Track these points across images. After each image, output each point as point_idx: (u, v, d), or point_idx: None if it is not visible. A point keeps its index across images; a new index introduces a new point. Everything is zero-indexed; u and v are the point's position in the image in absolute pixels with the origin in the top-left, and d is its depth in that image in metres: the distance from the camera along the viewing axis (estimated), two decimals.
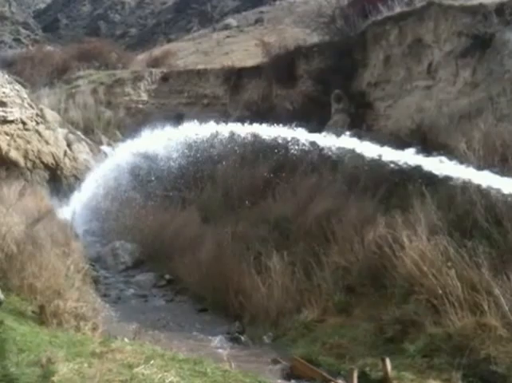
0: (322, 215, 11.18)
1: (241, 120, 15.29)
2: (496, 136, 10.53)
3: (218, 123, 14.16)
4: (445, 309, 7.34)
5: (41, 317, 7.46)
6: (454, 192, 9.46)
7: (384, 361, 6.79)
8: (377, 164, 10.39)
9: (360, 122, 15.40)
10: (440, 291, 7.51)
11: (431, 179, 9.54)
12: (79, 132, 20.74)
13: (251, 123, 13.28)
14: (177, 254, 11.64)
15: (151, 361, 5.81)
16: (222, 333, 9.25)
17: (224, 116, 22.05)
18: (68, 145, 19.27)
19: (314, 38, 20.85)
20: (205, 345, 8.65)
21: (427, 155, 9.46)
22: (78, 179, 17.96)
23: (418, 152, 9.84)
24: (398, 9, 15.50)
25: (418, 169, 9.45)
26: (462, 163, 9.22)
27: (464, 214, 9.19)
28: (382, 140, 10.85)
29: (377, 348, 7.72)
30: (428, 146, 11.75)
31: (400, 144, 11.62)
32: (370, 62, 16.19)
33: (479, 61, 12.49)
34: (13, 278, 8.04)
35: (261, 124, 12.93)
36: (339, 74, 16.69)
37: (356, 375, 6.29)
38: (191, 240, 11.89)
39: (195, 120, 14.55)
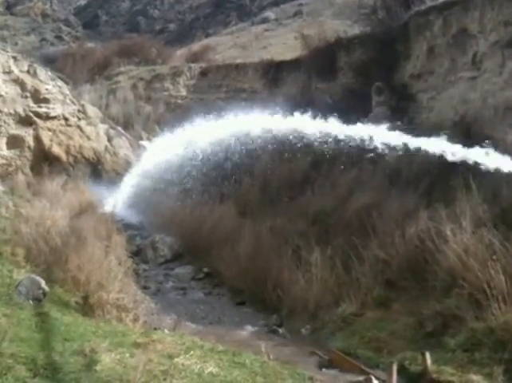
0: (362, 208, 11.08)
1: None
2: None
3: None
4: (488, 303, 7.18)
5: (85, 308, 7.63)
6: (500, 185, 9.24)
7: (423, 355, 6.70)
8: (422, 156, 10.21)
9: (402, 115, 15.12)
10: (483, 285, 7.34)
11: (475, 172, 9.32)
12: (119, 128, 21.09)
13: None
14: (215, 248, 11.70)
15: (191, 352, 5.86)
16: (261, 326, 9.26)
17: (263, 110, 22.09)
18: (109, 140, 19.61)
19: (355, 30, 20.60)
20: (243, 337, 8.69)
21: (471, 147, 9.24)
22: (119, 173, 18.27)
23: (462, 145, 9.63)
24: None
25: (463, 162, 9.23)
26: (509, 155, 8.97)
27: (510, 207, 8.99)
28: (425, 133, 10.65)
29: (417, 342, 7.62)
30: (473, 138, 11.48)
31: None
32: (413, 53, 15.87)
33: None
34: (57, 271, 8.24)
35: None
36: (380, 66, 16.43)
37: (395, 368, 6.20)
38: (228, 234, 11.93)
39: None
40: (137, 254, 12.80)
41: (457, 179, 9.85)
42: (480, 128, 11.85)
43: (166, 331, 7.45)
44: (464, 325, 7.33)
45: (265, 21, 44.18)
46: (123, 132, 21.00)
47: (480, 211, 8.81)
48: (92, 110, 20.13)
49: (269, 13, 46.08)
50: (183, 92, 26.47)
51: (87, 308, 7.65)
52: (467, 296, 7.66)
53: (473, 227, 8.46)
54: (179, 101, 26.29)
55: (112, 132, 20.09)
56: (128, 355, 5.48)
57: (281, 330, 8.99)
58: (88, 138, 19.09)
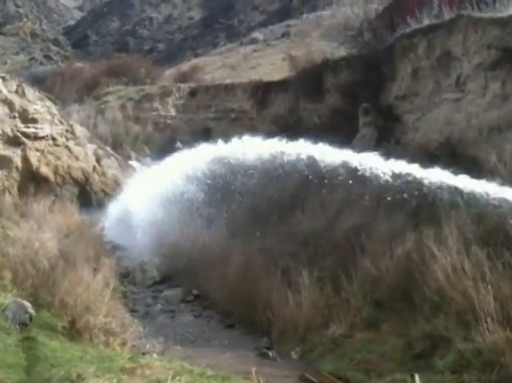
0: (351, 229, 11.11)
1: (268, 134, 15.29)
2: None
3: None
4: (476, 323, 7.20)
5: (72, 332, 7.55)
6: (486, 206, 9.31)
7: (412, 377, 6.66)
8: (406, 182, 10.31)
9: (388, 135, 15.30)
10: (471, 305, 7.38)
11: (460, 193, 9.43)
12: (108, 148, 21.08)
13: (279, 138, 13.22)
14: (204, 270, 11.67)
15: (180, 377, 5.81)
16: (251, 349, 9.22)
17: (251, 131, 22.20)
18: (98, 160, 19.58)
19: (341, 51, 20.90)
20: (233, 360, 8.63)
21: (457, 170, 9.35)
22: (107, 194, 18.21)
23: (447, 166, 9.74)
24: (426, 22, 15.39)
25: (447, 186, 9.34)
26: (492, 176, 9.09)
27: (495, 228, 9.05)
28: (410, 154, 10.77)
29: (406, 364, 7.60)
30: (457, 159, 11.63)
31: (429, 157, 11.54)
32: (398, 75, 16.12)
33: (509, 74, 12.30)
34: (44, 294, 8.16)
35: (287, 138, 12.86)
36: (367, 87, 16.67)
37: None
38: (218, 255, 11.90)
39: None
40: (126, 276, 12.74)
41: (443, 201, 9.91)
42: (465, 148, 12.02)
43: (154, 355, 7.38)
44: (452, 346, 7.33)
45: (253, 41, 44.64)
46: (111, 152, 21.00)
47: (466, 231, 8.86)
48: (80, 130, 20.14)
49: (258, 34, 46.58)
50: (172, 112, 26.59)
51: (74, 332, 7.56)
52: (455, 316, 7.69)
53: (460, 247, 8.50)
54: (168, 121, 26.39)
55: (100, 152, 20.08)
56: (115, 381, 5.42)
57: (271, 353, 8.93)
58: (77, 158, 19.05)
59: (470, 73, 13.26)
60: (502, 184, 8.92)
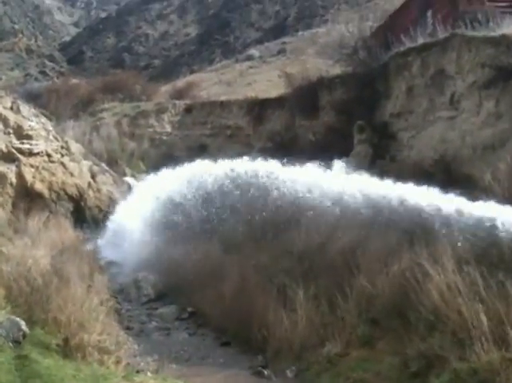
0: (346, 246, 11.11)
1: (264, 150, 15.39)
2: None
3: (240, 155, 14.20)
4: (471, 342, 7.17)
5: (65, 350, 7.49)
6: (479, 225, 9.34)
7: None
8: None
9: (383, 153, 15.39)
10: (466, 324, 7.37)
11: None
12: (103, 164, 21.09)
13: (275, 154, 13.28)
14: (200, 287, 11.62)
15: None
16: (246, 367, 9.16)
17: (247, 147, 22.30)
18: (93, 177, 19.57)
19: (337, 69, 21.12)
20: (228, 379, 8.58)
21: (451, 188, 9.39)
22: (102, 210, 18.19)
23: (441, 184, 9.80)
24: (421, 41, 15.62)
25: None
26: (487, 194, 9.14)
27: (490, 246, 9.08)
28: (405, 172, 10.83)
29: None
30: (452, 177, 11.70)
31: (424, 174, 11.61)
32: (393, 93, 16.28)
33: (503, 92, 12.46)
34: (38, 311, 8.10)
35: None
36: (362, 105, 16.81)
37: None
38: (213, 272, 11.86)
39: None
40: (120, 293, 12.65)
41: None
42: (459, 166, 12.11)
43: (149, 374, 7.34)
44: (448, 365, 7.29)
45: (249, 58, 44.98)
46: (106, 168, 21.00)
47: (461, 250, 8.88)
48: (75, 146, 20.15)
49: (254, 51, 46.94)
50: (168, 129, 26.66)
51: (68, 350, 7.50)
52: (450, 335, 7.65)
53: (454, 265, 8.51)
54: (164, 137, 26.45)
55: (95, 168, 20.08)
56: None
57: (266, 372, 8.86)
58: (71, 174, 19.03)
59: (464, 91, 13.41)
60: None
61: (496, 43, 12.92)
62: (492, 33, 13.34)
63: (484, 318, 7.24)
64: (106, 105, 28.24)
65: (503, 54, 12.61)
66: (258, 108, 23.82)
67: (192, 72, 53.14)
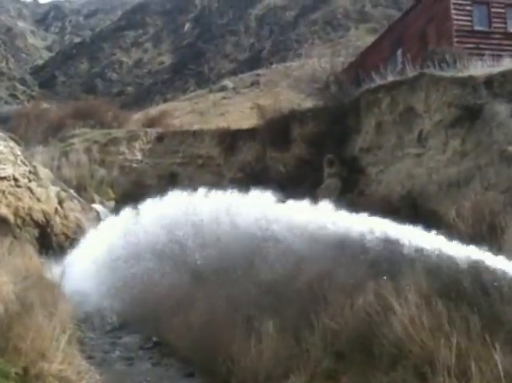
0: (314, 278, 11.16)
1: (235, 181, 15.45)
2: (484, 205, 10.71)
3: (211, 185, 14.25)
4: (432, 376, 7.23)
5: (25, 379, 7.31)
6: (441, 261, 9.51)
7: None
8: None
9: (352, 187, 15.62)
10: (429, 357, 7.44)
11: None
12: (71, 190, 20.86)
13: (245, 185, 13.34)
14: (166, 316, 11.50)
15: None
16: None
17: (218, 177, 22.38)
18: (60, 203, 19.35)
19: (309, 103, 21.48)
20: None
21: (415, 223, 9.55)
22: (69, 237, 17.95)
23: (408, 219, 9.96)
24: (390, 78, 16.07)
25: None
26: (451, 230, 9.32)
27: (452, 282, 9.22)
28: (373, 206, 10.99)
29: None
30: (418, 212, 11.92)
31: (391, 209, 11.80)
32: (363, 128, 16.62)
33: (468, 132, 12.83)
34: None
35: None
36: (332, 139, 17.11)
37: None
38: (180, 302, 11.77)
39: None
40: (84, 321, 12.43)
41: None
42: (425, 202, 12.35)
43: None
44: None
45: (223, 89, 45.40)
46: (75, 195, 20.79)
47: (424, 285, 9.01)
48: (43, 172, 19.95)
49: (228, 82, 47.42)
50: (139, 157, 26.55)
51: (28, 379, 7.32)
52: (413, 369, 7.72)
53: (417, 299, 8.63)
54: (134, 165, 26.32)
55: (63, 194, 19.87)
56: None
57: None
58: (38, 200, 18.78)
59: (431, 129, 13.77)
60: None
61: (463, 83, 13.34)
62: (459, 74, 13.78)
63: (447, 352, 7.33)
64: (77, 131, 28.04)
65: (469, 95, 13.02)
66: (230, 139, 23.98)
67: (165, 100, 53.35)
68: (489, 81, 12.84)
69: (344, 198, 13.87)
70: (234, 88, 44.82)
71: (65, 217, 19.08)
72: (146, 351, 11.26)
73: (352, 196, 14.72)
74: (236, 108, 35.30)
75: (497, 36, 17.88)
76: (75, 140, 26.97)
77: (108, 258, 14.58)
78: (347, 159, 16.68)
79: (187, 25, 75.87)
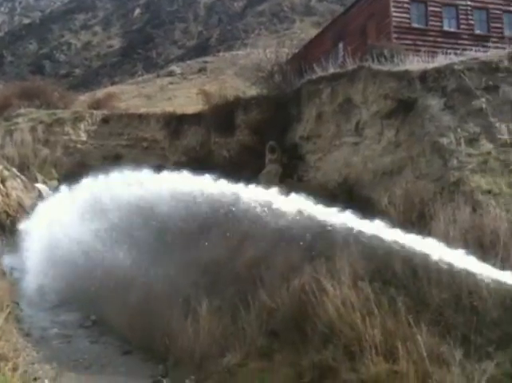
0: (252, 260, 11.44)
1: (179, 164, 15.53)
2: (415, 193, 11.22)
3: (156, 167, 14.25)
4: (361, 355, 7.64)
5: None
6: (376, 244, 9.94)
7: None
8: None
9: (292, 173, 16.02)
10: (358, 337, 7.82)
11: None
12: (14, 169, 20.49)
13: (189, 169, 13.39)
14: (105, 295, 11.58)
15: None
16: (146, 376, 9.25)
17: (163, 160, 22.39)
18: (2, 181, 18.99)
19: (253, 91, 21.71)
20: None
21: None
22: (10, 215, 17.65)
23: (344, 205, 10.27)
24: (331, 70, 16.50)
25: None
26: (383, 216, 9.70)
27: (384, 265, 9.66)
28: (311, 192, 11.29)
29: None
30: (353, 199, 12.39)
31: (328, 195, 12.21)
32: (304, 117, 16.99)
33: (402, 123, 13.31)
34: None
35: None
36: (274, 126, 17.44)
37: None
38: (119, 281, 11.85)
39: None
40: (23, 298, 12.36)
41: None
42: (360, 189, 12.81)
43: (46, 381, 7.32)
44: (339, 376, 7.74)
45: (170, 74, 45.00)
46: (18, 173, 20.44)
47: (358, 267, 9.40)
48: None
49: (175, 67, 47.00)
50: (83, 138, 26.20)
51: None
52: (343, 348, 8.11)
53: (351, 281, 9.01)
54: (79, 146, 25.97)
55: (5, 173, 19.50)
56: None
57: (165, 381, 9.01)
58: None
59: (368, 119, 14.22)
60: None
61: (399, 77, 13.83)
62: (396, 68, 14.27)
63: (375, 332, 7.75)
64: (22, 111, 27.39)
65: (404, 88, 13.53)
66: (175, 123, 23.98)
67: (113, 83, 52.39)
68: (423, 76, 13.34)
69: (283, 183, 14.22)
70: (181, 74, 44.53)
71: (7, 195, 18.75)
72: (85, 329, 11.36)
73: (291, 182, 15.10)
74: (183, 94, 35.15)
75: (433, 34, 18.55)
76: (20, 120, 26.36)
77: (50, 236, 14.44)
78: (288, 146, 17.06)
79: (137, 11, 74.61)
